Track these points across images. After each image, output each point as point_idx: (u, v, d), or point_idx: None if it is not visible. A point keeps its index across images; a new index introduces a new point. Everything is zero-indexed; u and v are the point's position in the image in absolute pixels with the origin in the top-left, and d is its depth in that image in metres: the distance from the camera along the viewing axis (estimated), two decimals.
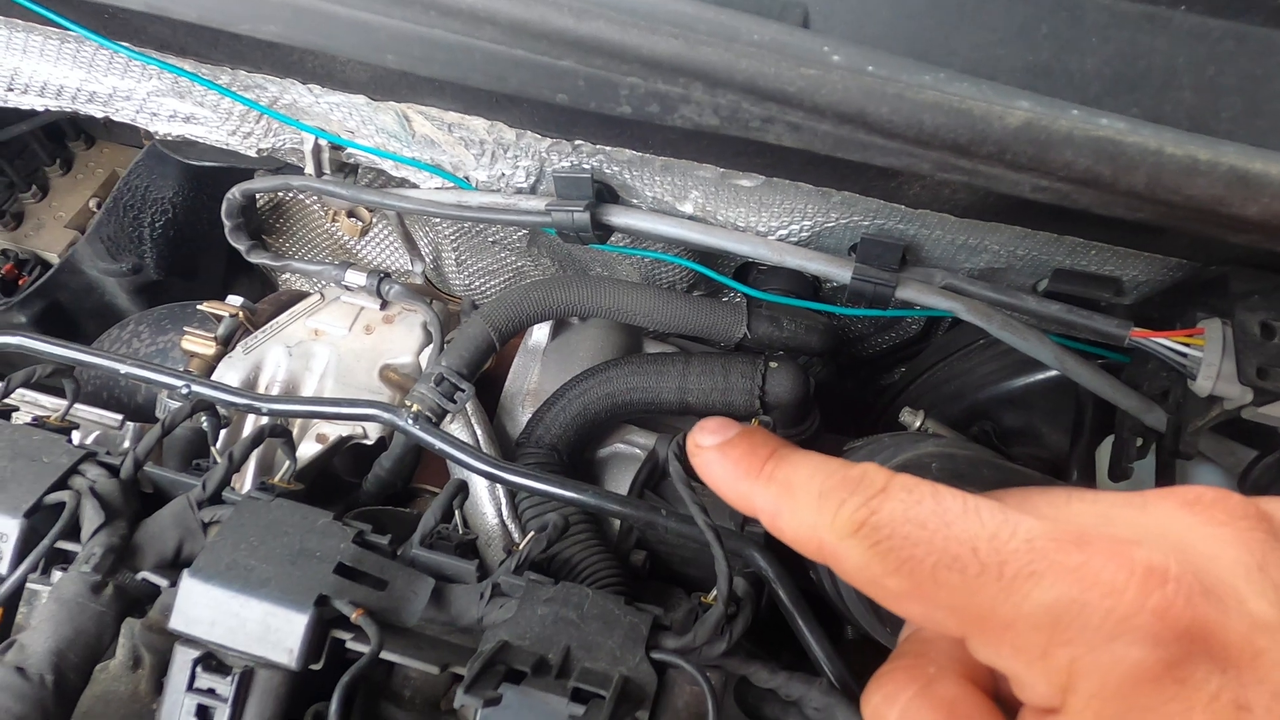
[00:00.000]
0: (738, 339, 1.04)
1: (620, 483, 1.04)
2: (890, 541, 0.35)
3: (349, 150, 1.02)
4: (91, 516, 0.71)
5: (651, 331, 1.15)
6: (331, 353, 1.10)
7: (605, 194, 0.93)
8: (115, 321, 1.33)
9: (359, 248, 1.64)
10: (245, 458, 0.80)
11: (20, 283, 1.48)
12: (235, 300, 1.17)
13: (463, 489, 0.82)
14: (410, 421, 0.89)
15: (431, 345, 1.08)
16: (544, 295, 0.99)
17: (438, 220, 1.38)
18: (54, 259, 1.52)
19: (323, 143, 1.00)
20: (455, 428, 1.00)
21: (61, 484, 0.74)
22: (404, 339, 1.11)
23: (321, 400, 0.96)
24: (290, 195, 1.49)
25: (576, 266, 1.46)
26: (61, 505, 0.72)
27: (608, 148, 0.85)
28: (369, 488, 1.02)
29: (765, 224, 0.90)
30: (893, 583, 0.35)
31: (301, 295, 1.28)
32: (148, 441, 0.79)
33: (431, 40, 0.69)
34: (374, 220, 1.44)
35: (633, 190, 0.92)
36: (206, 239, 1.55)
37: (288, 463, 0.91)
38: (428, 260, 1.59)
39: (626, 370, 1.01)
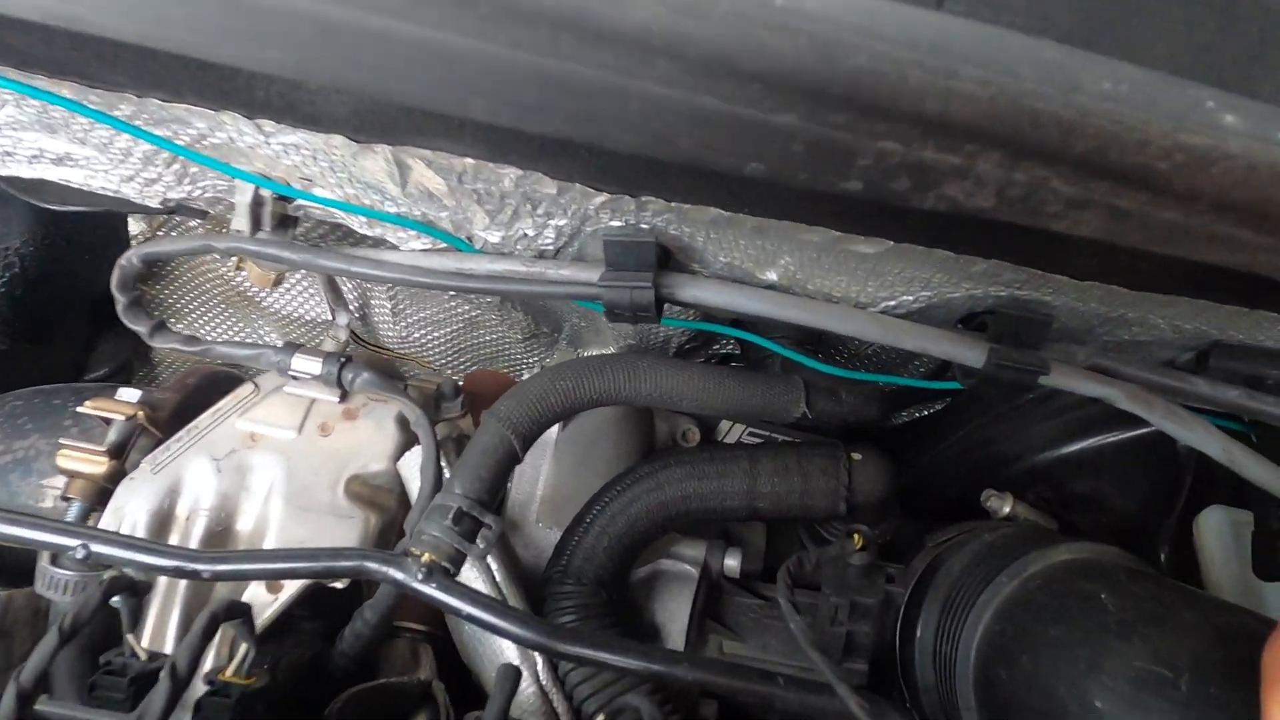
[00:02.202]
0: (795, 418, 0.86)
1: (671, 610, 0.83)
2: None
3: (298, 202, 0.77)
4: None
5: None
6: (278, 464, 0.83)
7: (665, 259, 0.72)
8: None
9: (264, 296, 1.35)
10: (188, 681, 0.55)
11: None
12: (129, 395, 0.87)
13: (516, 679, 0.60)
14: (421, 578, 0.65)
15: (420, 449, 0.83)
16: (573, 386, 0.77)
17: None
18: None
19: (266, 194, 0.74)
20: (467, 571, 0.76)
21: None
22: (374, 440, 0.86)
23: (287, 554, 0.70)
24: (168, 228, 1.19)
25: (552, 319, 1.24)
26: None
27: (686, 206, 0.64)
28: (347, 648, 0.76)
29: (870, 294, 0.72)
30: None
31: (224, 376, 1.00)
32: (37, 665, 0.52)
33: (477, 61, 0.46)
34: None
35: (700, 254, 0.72)
36: (65, 296, 1.21)
37: (244, 648, 0.65)
38: (354, 309, 1.33)
39: (681, 473, 0.81)
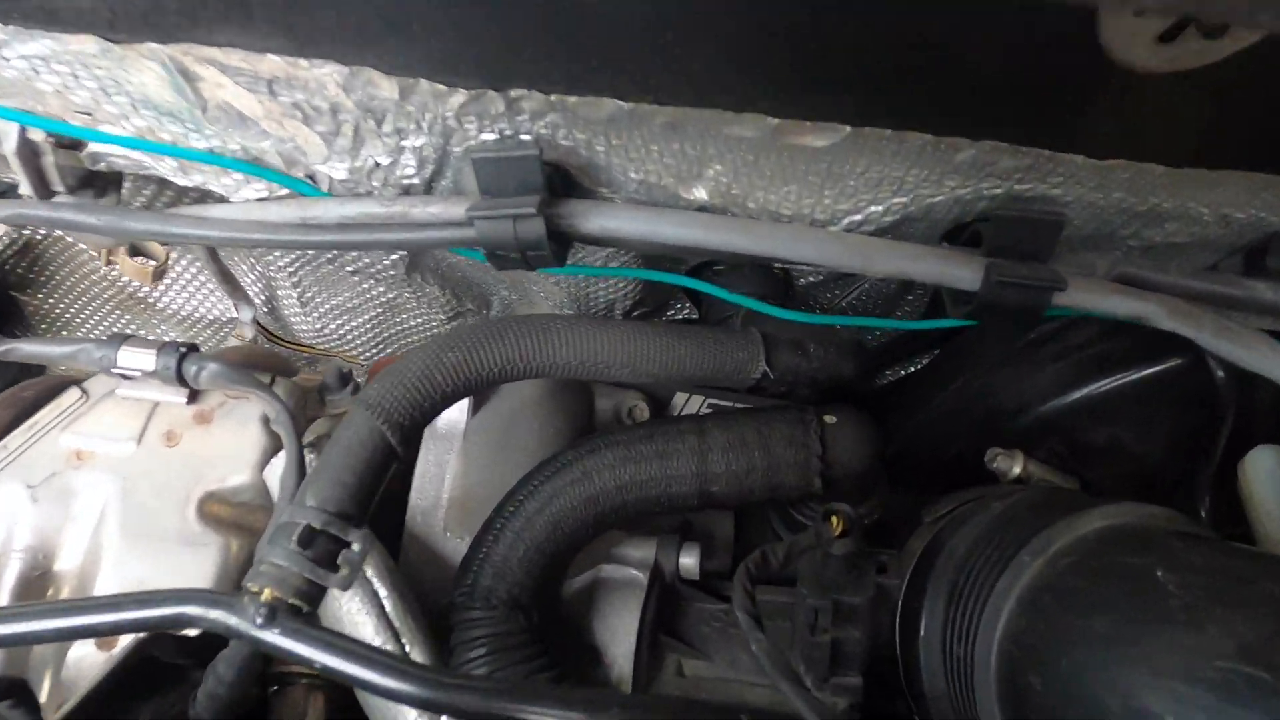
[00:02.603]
0: (755, 379, 0.70)
1: (615, 628, 0.67)
2: None
3: (91, 147, 0.59)
4: None
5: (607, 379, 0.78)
6: (111, 485, 0.66)
7: (558, 184, 0.55)
8: None
9: (156, 296, 1.18)
10: None
11: None
12: None
13: None
14: (260, 622, 0.49)
15: (284, 452, 0.66)
16: (465, 358, 0.60)
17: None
18: None
19: (36, 135, 0.57)
20: (345, 597, 0.60)
21: None
22: (234, 446, 0.69)
23: (69, 607, 0.51)
24: (36, 231, 1.02)
25: (476, 293, 1.07)
26: None
27: (571, 99, 0.48)
28: (203, 712, 0.60)
29: (828, 208, 0.56)
30: None
31: (61, 383, 0.82)
32: None
33: None
34: (171, 256, 0.99)
35: (607, 173, 0.55)
36: None
37: None
38: (258, 302, 1.15)
39: (612, 458, 0.64)
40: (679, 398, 0.88)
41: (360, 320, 1.18)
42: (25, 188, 0.60)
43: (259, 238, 0.59)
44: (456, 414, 0.73)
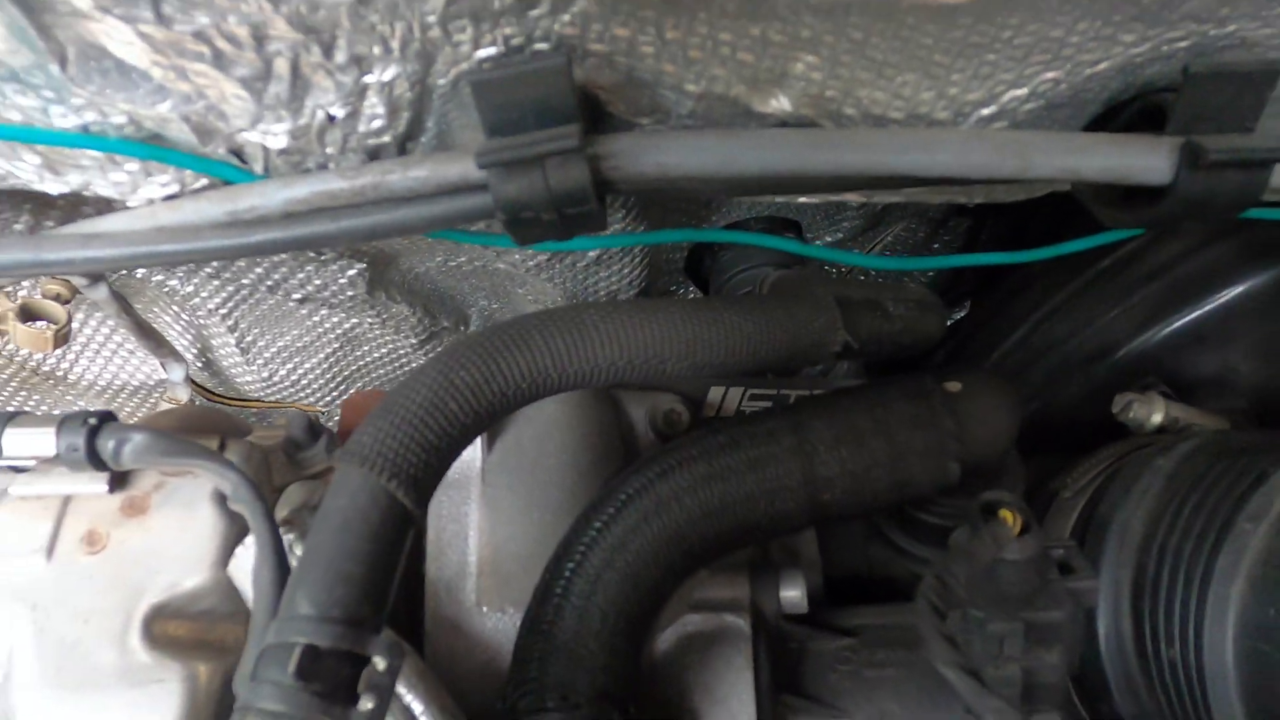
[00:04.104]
0: (836, 351, 0.55)
1: (722, 696, 0.51)
2: None
3: None
4: None
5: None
6: (17, 619, 0.48)
7: (591, 117, 0.40)
8: None
9: (66, 367, 0.99)
10: None
11: None
12: None
13: None
14: None
15: (251, 539, 0.49)
16: (482, 376, 0.44)
17: (182, 283, 0.77)
18: None
19: None
20: None
21: None
22: (181, 540, 0.51)
23: None
24: None
25: (451, 306, 0.92)
26: None
27: None
28: None
29: (954, 99, 0.41)
30: None
31: None
32: None
33: None
34: (76, 313, 0.80)
35: (648, 92, 0.40)
36: None
37: None
38: (190, 356, 0.98)
39: (690, 477, 0.48)
40: (712, 392, 0.73)
41: (314, 360, 1.01)
42: None
43: (173, 249, 0.42)
44: (469, 453, 0.56)
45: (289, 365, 1.00)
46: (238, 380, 1.02)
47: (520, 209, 0.37)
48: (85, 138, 0.39)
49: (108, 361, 0.98)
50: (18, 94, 0.37)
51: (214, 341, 0.96)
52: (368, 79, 0.37)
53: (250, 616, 0.52)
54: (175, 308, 0.90)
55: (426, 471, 0.43)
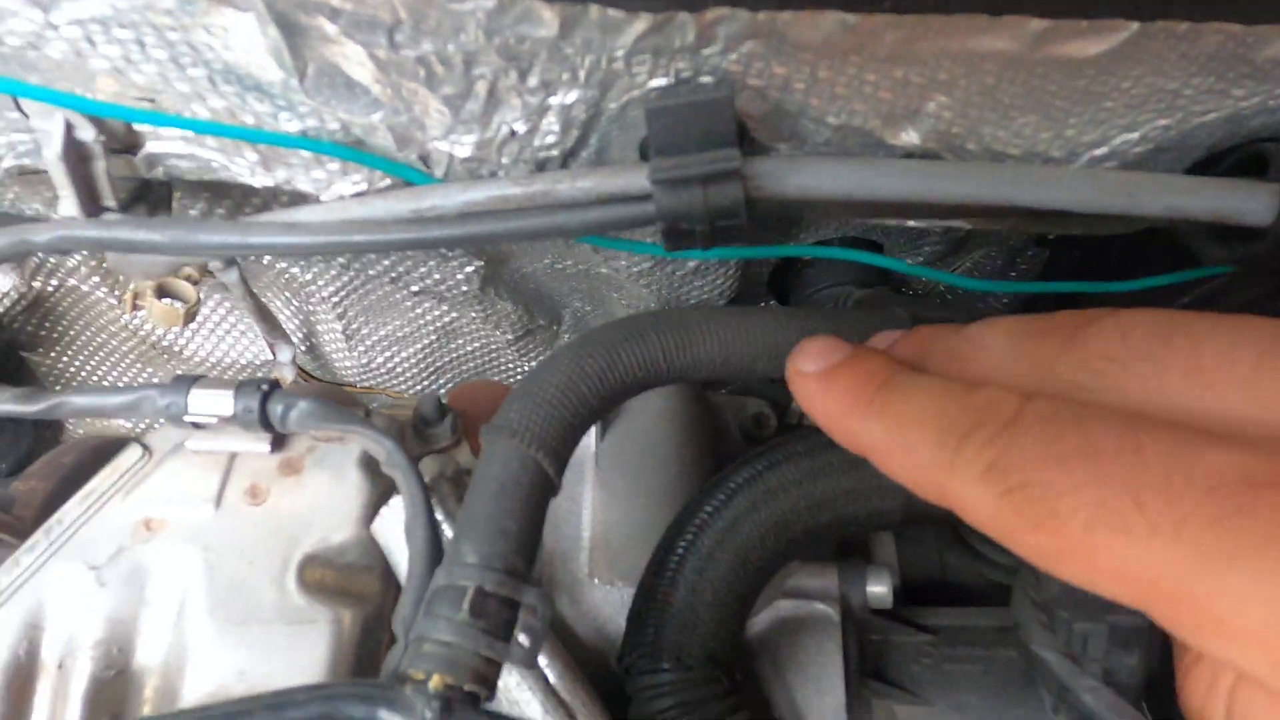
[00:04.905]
0: None
1: (814, 675, 0.55)
2: (1026, 490, 0.26)
3: (149, 147, 0.48)
4: None
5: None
6: (192, 559, 0.55)
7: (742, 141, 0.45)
8: None
9: (183, 344, 1.07)
10: None
11: None
12: None
13: None
14: (433, 719, 0.38)
15: (396, 501, 0.55)
16: (608, 364, 0.49)
17: (303, 270, 0.84)
18: None
19: (86, 135, 0.46)
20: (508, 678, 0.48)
21: None
22: (332, 498, 0.57)
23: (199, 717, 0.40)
24: (47, 277, 0.91)
25: (548, 305, 0.97)
26: None
27: (784, 15, 0.37)
28: None
29: (1069, 140, 0.45)
30: (1033, 540, 0.26)
31: (110, 443, 0.71)
32: None
33: None
34: (202, 293, 0.87)
35: (795, 120, 0.45)
36: None
37: None
38: (296, 339, 1.05)
39: (798, 471, 0.53)
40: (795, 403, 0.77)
41: (411, 350, 1.07)
42: (68, 204, 0.49)
43: (364, 240, 0.48)
44: (584, 438, 0.62)
45: (387, 353, 1.07)
46: (336, 365, 1.09)
47: (679, 220, 0.43)
48: (303, 140, 0.45)
49: (220, 340, 1.06)
50: (256, 101, 0.43)
51: (320, 327, 1.02)
52: (551, 101, 0.43)
53: (382, 573, 0.58)
54: (288, 293, 0.97)
55: (563, 445, 0.48)
